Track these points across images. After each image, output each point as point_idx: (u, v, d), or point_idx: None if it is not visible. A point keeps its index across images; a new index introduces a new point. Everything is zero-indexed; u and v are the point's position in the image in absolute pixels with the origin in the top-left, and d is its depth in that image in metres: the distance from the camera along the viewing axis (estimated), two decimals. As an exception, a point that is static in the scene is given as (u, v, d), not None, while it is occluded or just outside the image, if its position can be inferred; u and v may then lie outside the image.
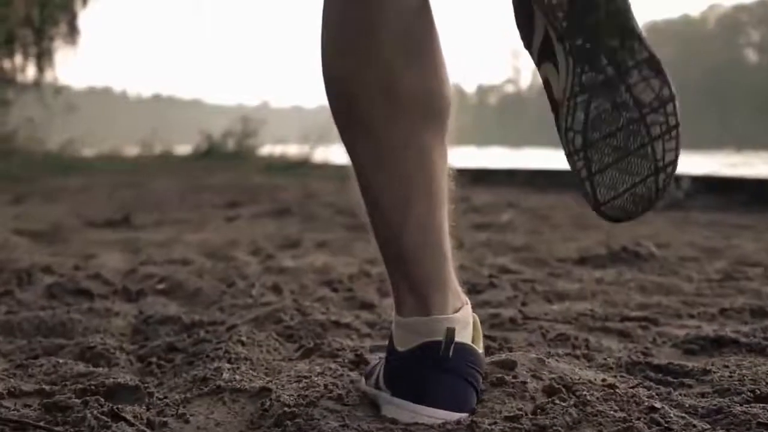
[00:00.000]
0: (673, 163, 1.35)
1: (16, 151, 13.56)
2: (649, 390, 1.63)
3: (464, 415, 1.43)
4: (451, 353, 1.43)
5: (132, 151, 17.94)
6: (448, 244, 1.49)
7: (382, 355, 1.59)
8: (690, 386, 1.69)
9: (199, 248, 4.17)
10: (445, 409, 1.42)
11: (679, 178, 6.93)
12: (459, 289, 1.51)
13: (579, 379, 1.62)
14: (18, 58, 20.71)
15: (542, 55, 1.40)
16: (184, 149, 17.60)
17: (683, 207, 6.44)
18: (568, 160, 1.37)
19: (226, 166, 13.10)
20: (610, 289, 2.85)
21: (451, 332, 1.43)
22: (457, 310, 1.47)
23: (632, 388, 1.62)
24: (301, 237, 4.58)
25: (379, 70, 1.40)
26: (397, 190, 1.44)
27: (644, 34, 1.34)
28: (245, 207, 6.50)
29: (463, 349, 1.44)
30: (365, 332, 2.21)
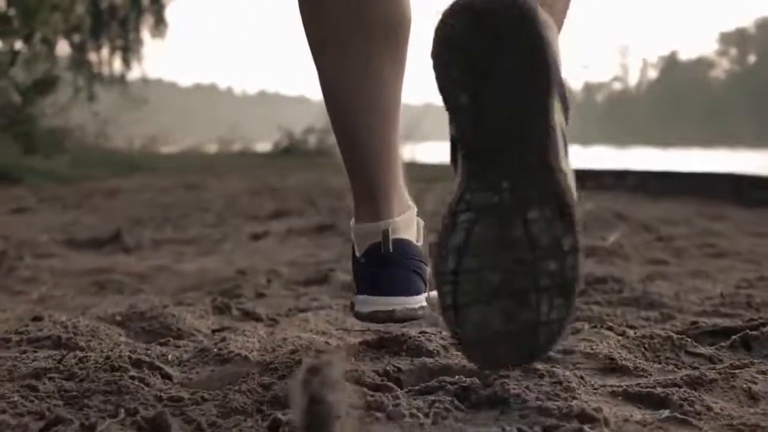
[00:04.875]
0: (559, 321, 1.21)
1: (79, 147, 12.65)
2: None
3: (416, 297, 1.66)
4: (391, 248, 1.64)
5: (212, 148, 17.17)
6: (398, 153, 1.68)
7: None
8: None
9: (179, 284, 3.03)
10: (399, 295, 1.63)
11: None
12: (406, 195, 1.72)
13: None
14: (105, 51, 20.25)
15: (452, 156, 1.29)
16: (266, 146, 16.74)
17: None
18: (434, 281, 1.25)
19: (305, 165, 12.05)
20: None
21: (386, 233, 1.64)
22: (402, 213, 1.68)
23: None
24: (333, 269, 3.36)
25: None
26: (368, 113, 1.59)
27: (564, 164, 1.19)
28: (288, 219, 5.32)
29: (402, 243, 1.66)
30: None
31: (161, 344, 1.81)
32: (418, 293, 1.67)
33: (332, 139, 14.46)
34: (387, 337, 1.74)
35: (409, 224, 1.68)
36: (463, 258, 1.20)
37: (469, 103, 1.18)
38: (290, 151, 15.05)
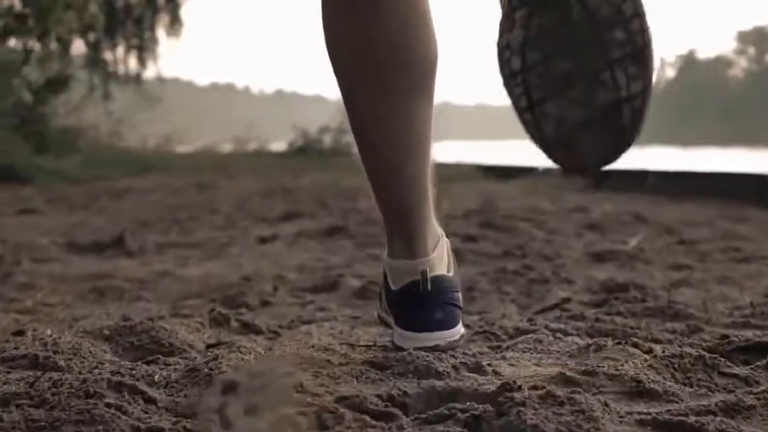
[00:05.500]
0: (642, 94, 1.16)
1: (93, 147, 12.56)
2: None
3: (455, 329, 1.73)
4: (429, 287, 1.68)
5: (227, 148, 17.05)
6: (429, 187, 1.66)
7: None
8: None
9: (180, 291, 2.91)
10: (439, 330, 1.70)
11: None
12: (436, 224, 1.72)
13: None
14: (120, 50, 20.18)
15: None
16: (281, 146, 16.60)
17: None
18: (505, 88, 1.24)
19: (319, 165, 11.91)
20: None
21: (425, 273, 1.68)
22: (434, 248, 1.70)
23: None
24: (343, 275, 3.22)
25: (379, 37, 1.48)
26: (396, 151, 1.58)
27: None
28: (298, 221, 5.19)
29: (440, 279, 1.70)
30: None
31: (149, 362, 1.68)
32: (456, 324, 1.74)
33: (347, 139, 14.31)
34: (394, 356, 1.60)
35: (442, 256, 1.72)
36: (526, 54, 1.19)
37: None
38: (305, 151, 14.91)
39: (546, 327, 2.07)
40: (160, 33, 20.45)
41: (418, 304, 1.70)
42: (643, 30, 1.15)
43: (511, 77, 1.20)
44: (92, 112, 14.38)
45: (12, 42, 12.57)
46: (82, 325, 2.02)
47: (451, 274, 1.74)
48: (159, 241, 4.15)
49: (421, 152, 1.61)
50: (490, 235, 4.34)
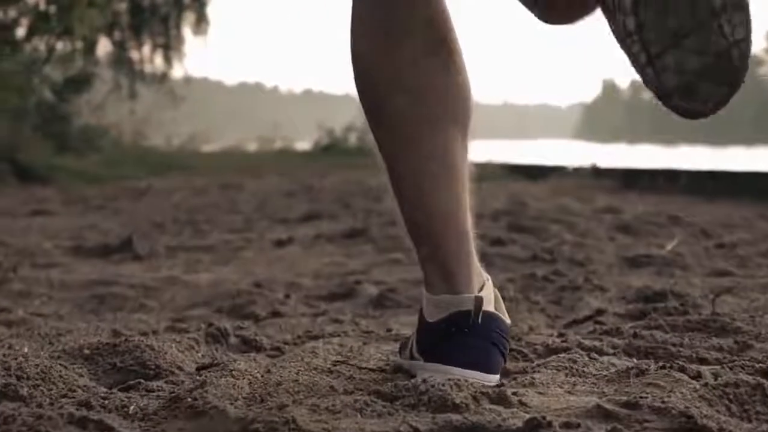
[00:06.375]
0: (745, 39, 1.26)
1: (116, 146, 12.43)
2: None
3: (493, 375, 1.51)
4: (480, 320, 1.51)
5: (252, 147, 16.92)
6: (470, 227, 1.57)
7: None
8: None
9: (186, 298, 2.74)
10: (475, 370, 1.49)
11: None
12: (479, 266, 1.59)
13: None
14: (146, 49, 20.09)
15: None
16: (306, 145, 16.45)
17: None
18: (622, 47, 1.31)
19: (343, 165, 11.73)
20: None
21: (479, 302, 1.52)
22: (480, 288, 1.55)
23: None
24: (360, 281, 3.03)
25: (400, 60, 1.49)
26: (423, 179, 1.52)
27: None
28: (318, 222, 5.00)
29: (491, 317, 1.54)
30: None
31: (128, 388, 1.48)
32: (495, 370, 1.54)
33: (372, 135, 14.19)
34: (404, 384, 1.39)
35: (490, 299, 1.57)
36: (639, 13, 1.26)
37: None
38: (330, 150, 14.73)
39: (579, 345, 1.86)
40: (186, 32, 20.35)
41: (460, 336, 1.52)
42: None
43: (627, 37, 1.27)
44: (116, 111, 14.26)
45: (36, 42, 12.49)
46: (65, 341, 1.83)
47: (507, 320, 1.60)
48: (170, 244, 3.97)
49: (454, 180, 1.56)
50: (519, 238, 4.13)
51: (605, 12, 1.34)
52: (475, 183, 1.65)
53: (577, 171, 9.30)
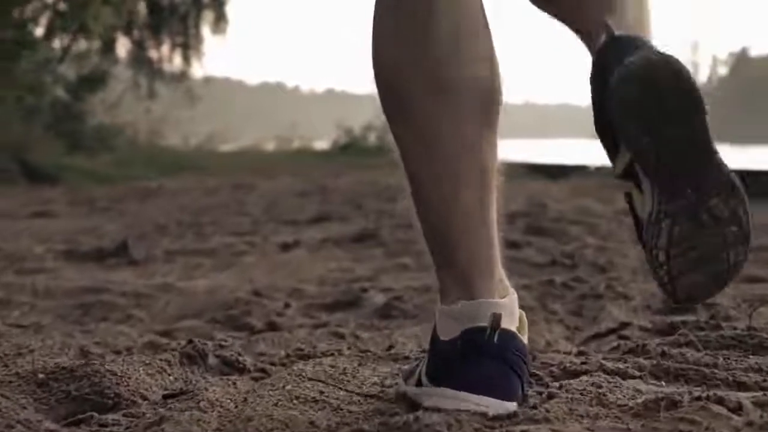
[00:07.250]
0: (744, 260, 1.42)
1: (130, 146, 12.28)
2: None
3: (511, 404, 1.37)
4: (496, 339, 1.39)
5: (270, 146, 16.79)
6: (495, 233, 1.49)
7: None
8: None
9: (179, 308, 2.56)
10: (489, 396, 1.36)
11: None
12: (506, 280, 1.50)
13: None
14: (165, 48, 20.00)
15: (625, 176, 1.45)
16: (324, 144, 16.31)
17: None
18: (650, 268, 1.42)
19: (360, 164, 11.56)
20: None
21: (497, 317, 1.40)
22: (502, 297, 1.45)
23: None
24: (367, 289, 2.84)
25: (430, 61, 1.43)
26: (445, 180, 1.46)
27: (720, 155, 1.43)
28: (328, 224, 4.81)
29: (508, 336, 1.42)
30: None
31: (78, 422, 1.28)
32: (512, 397, 1.39)
33: (392, 137, 14.02)
34: (395, 421, 1.19)
35: (512, 311, 1.45)
36: (670, 250, 1.39)
37: (650, 142, 1.38)
38: (348, 149, 14.56)
39: (601, 366, 1.65)
40: (205, 31, 20.25)
41: (475, 355, 1.39)
42: (749, 220, 1.40)
43: (658, 264, 1.40)
44: (132, 110, 14.14)
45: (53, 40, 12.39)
46: (21, 363, 1.62)
47: (525, 340, 1.46)
48: (170, 248, 3.79)
49: (479, 182, 1.48)
50: (537, 241, 3.93)
51: (646, 245, 1.45)
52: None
53: (599, 170, 9.10)
